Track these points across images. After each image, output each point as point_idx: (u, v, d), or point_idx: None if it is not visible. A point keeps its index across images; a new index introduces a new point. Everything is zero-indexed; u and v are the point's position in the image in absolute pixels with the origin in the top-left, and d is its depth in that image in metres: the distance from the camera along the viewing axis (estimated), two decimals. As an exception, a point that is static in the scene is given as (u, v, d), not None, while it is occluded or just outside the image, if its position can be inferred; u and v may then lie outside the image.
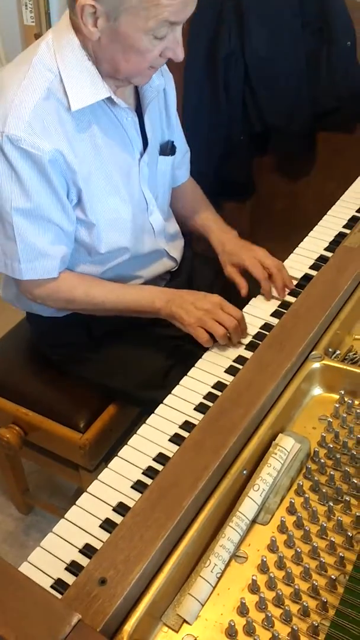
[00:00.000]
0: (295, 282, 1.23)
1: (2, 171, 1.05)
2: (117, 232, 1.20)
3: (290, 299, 1.19)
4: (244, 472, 0.82)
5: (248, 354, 1.07)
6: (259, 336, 1.11)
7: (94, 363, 1.33)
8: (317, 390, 0.96)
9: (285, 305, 1.18)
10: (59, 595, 0.74)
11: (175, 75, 1.77)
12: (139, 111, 1.20)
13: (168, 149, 1.29)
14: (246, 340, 1.11)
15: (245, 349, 1.10)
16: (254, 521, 0.79)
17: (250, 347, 1.09)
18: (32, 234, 1.09)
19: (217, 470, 0.79)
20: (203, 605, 0.72)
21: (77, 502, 0.89)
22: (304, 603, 0.70)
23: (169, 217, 1.38)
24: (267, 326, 1.13)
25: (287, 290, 1.20)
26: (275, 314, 1.15)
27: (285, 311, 1.14)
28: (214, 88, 1.78)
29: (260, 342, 1.09)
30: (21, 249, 1.10)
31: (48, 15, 2.02)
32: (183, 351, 1.28)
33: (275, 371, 0.89)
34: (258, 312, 1.16)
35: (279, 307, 1.18)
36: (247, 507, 0.78)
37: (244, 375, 0.90)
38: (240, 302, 1.18)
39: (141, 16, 0.95)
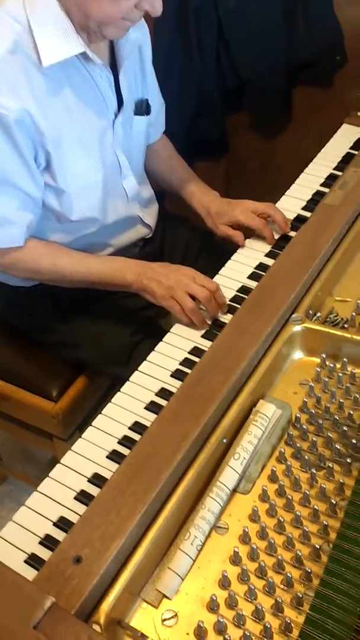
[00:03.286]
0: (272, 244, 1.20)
1: None
2: (88, 198, 1.14)
3: (268, 261, 1.15)
4: (224, 440, 0.79)
5: (226, 319, 1.04)
6: (236, 299, 1.07)
7: (60, 334, 1.28)
8: (297, 354, 0.92)
9: (263, 267, 1.14)
10: (33, 571, 0.71)
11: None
12: (114, 68, 1.12)
13: (143, 108, 1.22)
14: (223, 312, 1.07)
15: (220, 306, 1.06)
16: (234, 490, 0.76)
17: (230, 311, 1.06)
18: None
19: (197, 440, 0.76)
20: (183, 580, 0.69)
21: (50, 474, 0.85)
22: (288, 574, 0.68)
23: (143, 181, 1.32)
24: (244, 289, 1.09)
25: (289, 224, 1.19)
26: (252, 277, 1.12)
27: (263, 273, 1.12)
28: (186, 42, 1.69)
29: (237, 306, 1.06)
30: None
31: None
32: (152, 327, 1.25)
33: (255, 335, 0.86)
34: (235, 275, 1.12)
35: (256, 268, 1.14)
36: (228, 476, 0.76)
37: (223, 341, 0.86)
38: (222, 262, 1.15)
39: None
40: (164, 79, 1.73)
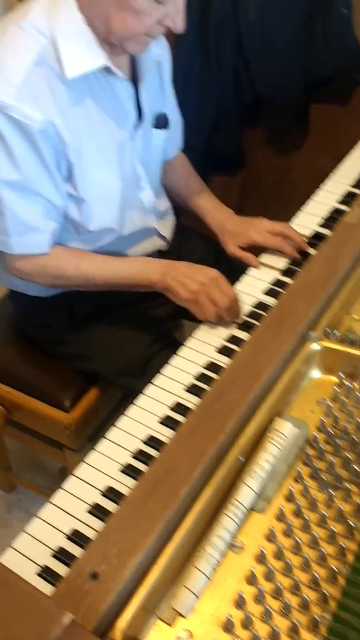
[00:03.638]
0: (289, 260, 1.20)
1: None
2: (107, 208, 1.15)
3: (284, 277, 1.15)
4: (241, 458, 0.78)
5: (241, 334, 1.04)
6: (252, 315, 1.08)
7: (75, 345, 1.28)
8: (315, 373, 0.92)
9: (279, 283, 1.14)
10: (46, 584, 0.71)
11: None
12: (134, 82, 1.13)
13: (162, 122, 1.23)
14: (239, 319, 1.08)
15: (238, 328, 1.06)
16: (250, 509, 0.76)
17: (244, 326, 1.06)
18: (21, 207, 1.03)
19: (214, 457, 0.75)
20: (198, 598, 0.69)
21: (63, 486, 0.85)
22: (304, 595, 0.67)
23: (160, 194, 1.33)
24: (260, 305, 1.09)
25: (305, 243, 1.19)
26: (268, 293, 1.12)
27: (279, 290, 1.12)
28: (205, 57, 1.71)
29: (253, 321, 1.06)
30: (10, 223, 1.04)
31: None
32: (166, 339, 1.25)
33: (273, 353, 0.85)
34: (251, 290, 1.13)
35: (271, 284, 1.14)
36: (244, 494, 0.75)
37: (241, 357, 0.86)
38: (236, 277, 1.15)
39: None
40: (182, 93, 1.74)
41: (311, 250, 1.19)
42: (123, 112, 1.11)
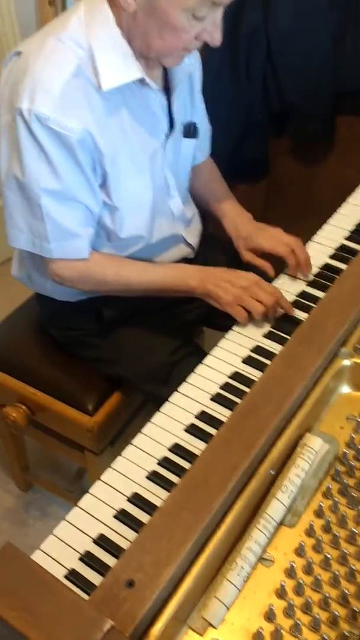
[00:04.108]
0: (314, 272, 1.21)
1: (30, 150, 1.00)
2: (138, 216, 1.17)
3: (314, 291, 1.16)
4: (272, 472, 0.80)
5: (266, 344, 1.05)
6: (278, 327, 1.09)
7: (101, 349, 1.30)
8: (345, 389, 0.93)
9: (306, 296, 1.15)
10: (73, 587, 0.72)
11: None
12: (166, 92, 1.15)
13: (192, 131, 1.24)
14: (265, 330, 1.09)
15: (264, 336, 1.07)
16: (280, 523, 0.77)
17: (270, 336, 1.07)
18: (61, 214, 1.05)
19: (246, 470, 0.76)
20: (229, 609, 0.70)
21: (90, 490, 0.87)
22: (334, 611, 0.68)
23: (187, 201, 1.35)
24: (285, 317, 1.10)
25: (310, 268, 1.18)
26: (295, 304, 1.13)
27: (305, 302, 1.13)
28: (235, 66, 1.72)
29: (279, 332, 1.07)
30: (50, 229, 1.06)
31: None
32: (190, 346, 1.26)
33: (305, 368, 0.86)
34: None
35: (298, 296, 1.15)
36: (275, 508, 0.76)
37: (273, 372, 0.87)
38: None
39: None
40: (211, 101, 1.75)
41: (342, 265, 1.20)
42: (156, 122, 1.12)
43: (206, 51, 1.70)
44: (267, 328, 1.09)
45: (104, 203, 1.11)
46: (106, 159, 1.05)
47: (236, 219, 1.33)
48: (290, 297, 1.15)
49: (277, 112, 1.80)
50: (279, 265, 1.22)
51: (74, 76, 0.98)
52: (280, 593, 0.71)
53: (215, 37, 0.99)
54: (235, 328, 1.08)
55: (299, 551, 0.74)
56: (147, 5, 0.94)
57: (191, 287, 1.13)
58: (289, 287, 1.17)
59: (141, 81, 1.04)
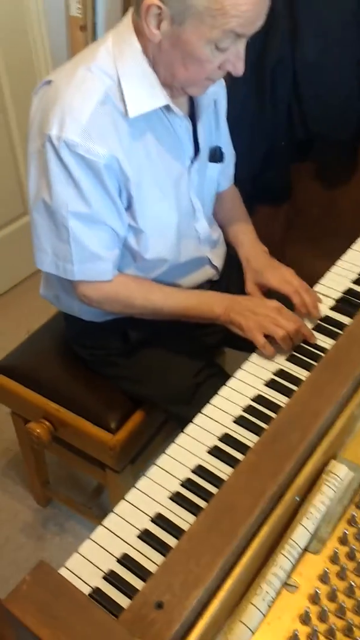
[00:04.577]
0: (336, 297, 1.22)
1: (58, 175, 1.03)
2: (163, 238, 1.19)
3: (338, 316, 1.18)
4: (297, 498, 0.81)
5: (289, 368, 1.07)
6: (300, 350, 1.11)
7: (125, 369, 1.32)
8: (369, 416, 0.94)
9: (328, 320, 1.17)
10: (98, 606, 0.73)
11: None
12: (192, 117, 1.18)
13: (217, 156, 1.27)
14: (288, 353, 1.10)
15: (287, 360, 1.09)
16: (305, 550, 0.78)
17: (293, 360, 1.09)
18: (87, 237, 1.08)
19: (273, 496, 0.77)
20: (254, 633, 0.71)
21: (114, 509, 0.88)
22: (358, 638, 0.69)
23: (213, 223, 1.37)
24: (306, 342, 1.12)
25: (318, 311, 1.17)
26: (317, 329, 1.15)
27: (329, 327, 1.15)
28: (260, 94, 1.75)
29: (302, 356, 1.09)
30: (75, 251, 1.09)
31: (94, 7, 1.99)
32: (213, 368, 1.28)
33: (331, 395, 0.88)
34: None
35: (321, 321, 1.17)
36: (300, 534, 0.77)
37: (299, 398, 0.88)
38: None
39: (206, 24, 0.93)
40: (236, 126, 1.78)
41: (356, 287, 1.21)
42: (181, 147, 1.16)
43: (232, 78, 1.75)
44: (290, 351, 1.11)
45: (129, 225, 1.14)
46: (132, 183, 1.08)
47: (251, 249, 1.35)
48: (313, 321, 1.17)
49: (301, 139, 1.82)
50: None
51: (101, 104, 1.02)
52: (305, 619, 0.71)
53: (238, 68, 1.02)
54: (258, 351, 1.10)
55: (323, 578, 0.75)
56: (172, 36, 0.97)
57: (215, 314, 1.15)
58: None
59: (167, 107, 1.08)
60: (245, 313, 1.12)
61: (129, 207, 1.12)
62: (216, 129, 1.28)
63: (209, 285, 1.39)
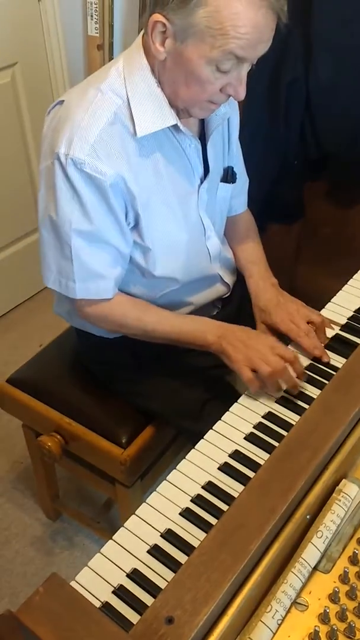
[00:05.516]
0: (348, 315, 1.23)
1: (64, 192, 1.05)
2: (172, 256, 1.20)
3: (351, 337, 1.18)
4: (307, 517, 0.81)
5: (301, 386, 1.08)
6: (312, 368, 1.12)
7: (135, 384, 1.33)
8: (379, 437, 0.94)
9: (339, 340, 1.18)
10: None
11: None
12: (202, 137, 1.20)
13: (229, 176, 1.28)
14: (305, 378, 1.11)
15: (298, 377, 1.09)
16: (315, 569, 0.78)
17: (310, 382, 1.09)
18: (90, 255, 1.09)
19: (283, 514, 0.78)
20: (263, 651, 0.71)
21: (125, 524, 0.89)
22: (367, 659, 0.69)
23: (225, 242, 1.38)
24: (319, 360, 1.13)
25: (325, 354, 1.15)
26: (328, 347, 1.16)
27: (338, 347, 1.16)
28: (274, 113, 1.77)
29: (314, 375, 1.10)
30: (77, 269, 1.10)
31: (112, 27, 2.03)
32: (223, 385, 1.28)
33: (342, 415, 0.88)
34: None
35: (332, 339, 1.19)
36: (310, 553, 0.78)
37: (310, 417, 0.89)
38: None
39: (207, 43, 0.94)
40: (249, 145, 1.80)
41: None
42: (190, 167, 1.17)
43: (249, 97, 1.77)
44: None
45: (136, 243, 1.15)
46: (138, 201, 1.10)
47: (259, 282, 1.33)
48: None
49: (314, 159, 1.84)
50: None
51: (110, 124, 1.03)
52: (314, 638, 0.72)
53: (239, 92, 1.02)
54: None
55: (333, 597, 0.75)
56: (175, 53, 0.98)
57: (208, 342, 1.13)
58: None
59: (175, 127, 1.09)
60: (236, 344, 1.10)
61: (136, 225, 1.13)
62: (228, 149, 1.30)
63: (221, 303, 1.41)
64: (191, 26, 0.93)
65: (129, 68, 1.05)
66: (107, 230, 1.09)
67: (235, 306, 1.41)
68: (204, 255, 1.28)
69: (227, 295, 1.40)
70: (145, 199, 1.11)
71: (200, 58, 0.96)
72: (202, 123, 1.20)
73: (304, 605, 0.75)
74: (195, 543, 0.85)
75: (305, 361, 1.14)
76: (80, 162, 1.02)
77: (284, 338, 1.19)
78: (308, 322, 1.20)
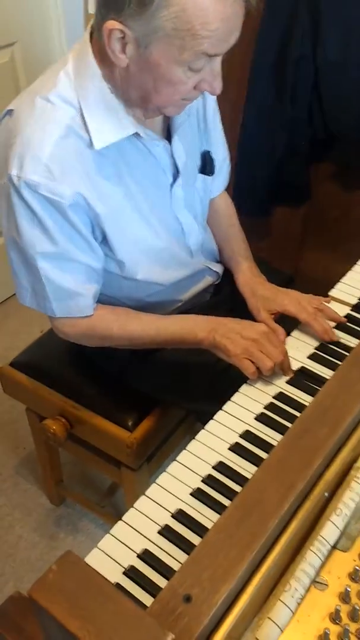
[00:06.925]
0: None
1: (22, 215, 0.98)
2: (151, 262, 1.15)
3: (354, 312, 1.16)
4: (326, 494, 0.79)
5: (311, 365, 1.06)
6: (323, 349, 1.09)
7: (141, 366, 1.29)
8: None
9: (352, 320, 1.16)
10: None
11: (239, 74, 1.74)
12: (171, 135, 1.11)
13: (207, 165, 1.22)
14: (309, 351, 1.09)
15: (308, 357, 1.08)
16: (334, 547, 0.76)
17: (314, 358, 1.08)
18: (58, 276, 1.04)
19: (302, 491, 0.76)
20: (282, 631, 0.69)
21: (135, 505, 0.87)
22: (391, 639, 0.67)
23: (207, 230, 1.33)
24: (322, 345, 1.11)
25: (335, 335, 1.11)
26: (339, 328, 1.14)
27: (351, 325, 1.14)
28: (280, 91, 1.74)
29: (323, 354, 1.08)
30: (50, 290, 1.05)
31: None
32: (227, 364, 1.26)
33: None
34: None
35: (345, 317, 1.16)
36: (329, 531, 0.76)
37: (327, 393, 0.87)
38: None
39: (175, 45, 0.86)
40: (255, 125, 1.78)
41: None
42: (159, 168, 1.10)
43: (254, 75, 1.74)
44: (311, 349, 1.09)
45: (108, 257, 1.10)
46: (102, 218, 1.03)
47: (252, 278, 1.27)
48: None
49: (321, 138, 1.81)
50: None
51: (63, 138, 0.95)
52: (335, 618, 0.70)
53: (215, 87, 0.95)
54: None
55: (353, 576, 0.73)
56: (140, 60, 0.90)
57: (198, 338, 1.08)
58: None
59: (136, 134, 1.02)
60: (231, 335, 1.04)
61: (105, 241, 1.07)
62: (206, 136, 1.22)
63: (213, 289, 1.37)
64: (154, 31, 0.85)
65: (78, 72, 0.96)
66: (74, 249, 1.03)
67: (228, 293, 1.35)
68: (185, 253, 1.23)
69: (219, 282, 1.36)
70: (110, 213, 1.04)
71: (170, 62, 0.88)
72: (169, 119, 1.12)
73: (324, 584, 0.73)
74: (206, 523, 0.83)
75: (314, 342, 1.12)
76: (35, 185, 0.95)
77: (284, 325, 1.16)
78: None
